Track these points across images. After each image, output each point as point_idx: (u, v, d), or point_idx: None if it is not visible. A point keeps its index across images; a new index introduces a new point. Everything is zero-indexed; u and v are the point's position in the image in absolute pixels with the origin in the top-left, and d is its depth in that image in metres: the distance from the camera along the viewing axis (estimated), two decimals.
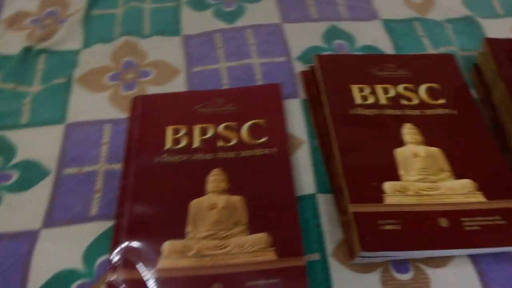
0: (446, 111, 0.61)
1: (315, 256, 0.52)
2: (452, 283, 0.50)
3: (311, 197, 0.56)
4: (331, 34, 0.75)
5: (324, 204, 0.56)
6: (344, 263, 0.51)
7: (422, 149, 0.57)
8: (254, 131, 0.61)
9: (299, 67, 0.70)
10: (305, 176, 0.58)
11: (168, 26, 0.77)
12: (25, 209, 0.56)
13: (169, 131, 0.61)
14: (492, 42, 0.66)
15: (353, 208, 0.51)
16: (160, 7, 0.80)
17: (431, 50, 0.73)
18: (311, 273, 0.50)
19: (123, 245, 0.51)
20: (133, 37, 0.75)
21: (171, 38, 0.75)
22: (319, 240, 0.53)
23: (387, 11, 0.79)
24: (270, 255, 0.50)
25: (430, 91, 0.63)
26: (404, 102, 0.62)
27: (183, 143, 0.60)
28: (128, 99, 0.66)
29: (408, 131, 0.58)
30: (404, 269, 0.51)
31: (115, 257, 0.50)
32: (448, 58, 0.69)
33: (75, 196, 0.57)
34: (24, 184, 0.58)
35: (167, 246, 0.51)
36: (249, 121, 0.62)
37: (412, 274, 0.50)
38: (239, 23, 0.77)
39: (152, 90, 0.68)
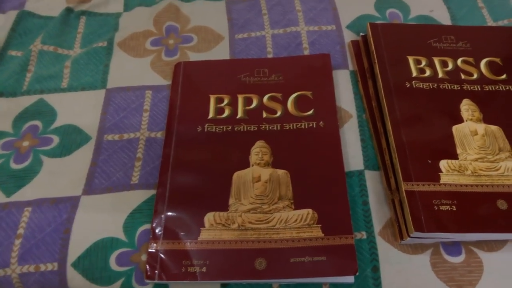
0: (508, 87, 0.57)
1: (362, 235, 0.50)
2: (506, 269, 0.47)
3: (359, 173, 0.54)
4: (384, 2, 0.71)
5: (372, 181, 0.53)
6: (392, 243, 0.49)
7: (481, 127, 0.53)
8: (301, 103, 0.58)
9: (348, 36, 0.66)
10: (352, 151, 0.56)
11: None
12: (66, 175, 0.55)
13: (212, 99, 0.59)
14: None
15: (406, 186, 0.49)
16: None
17: (490, 23, 0.68)
18: (357, 252, 0.48)
19: (164, 215, 0.50)
20: (176, 0, 0.72)
21: (214, 2, 0.72)
22: (366, 218, 0.51)
23: None
24: (316, 232, 0.48)
25: (491, 65, 0.59)
26: (464, 76, 0.58)
27: (226, 112, 0.58)
28: (169, 66, 0.64)
29: (467, 107, 0.55)
30: (455, 252, 0.48)
31: (156, 227, 0.49)
32: (511, 32, 0.64)
33: (116, 163, 0.56)
34: (64, 150, 0.57)
35: (210, 217, 0.50)
36: (295, 92, 0.59)
37: (464, 257, 0.48)
38: None
39: (194, 56, 0.65)
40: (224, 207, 0.50)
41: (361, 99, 0.60)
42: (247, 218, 0.50)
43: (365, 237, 0.50)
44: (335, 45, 0.65)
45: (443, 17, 0.69)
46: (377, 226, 0.50)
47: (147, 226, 0.51)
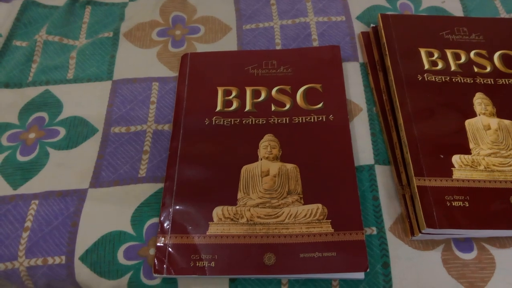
0: None
1: (372, 230, 0.49)
2: None
3: (369, 168, 0.53)
4: None
5: (382, 176, 0.53)
6: (402, 239, 0.49)
7: (495, 121, 0.52)
8: (310, 96, 0.57)
9: (358, 27, 0.65)
10: (362, 145, 0.55)
11: None
12: (73, 167, 0.55)
13: (220, 92, 0.58)
14: None
15: (417, 182, 0.48)
16: None
17: (503, 15, 0.66)
18: (367, 248, 0.48)
19: (172, 209, 0.50)
20: None
21: None
22: (377, 213, 0.50)
23: None
24: (326, 227, 0.48)
25: (505, 58, 0.58)
26: (476, 69, 0.57)
27: (234, 105, 0.57)
28: (176, 57, 0.63)
29: (480, 101, 0.54)
30: (467, 248, 0.48)
31: (164, 221, 0.49)
32: None
33: (123, 156, 0.55)
34: (71, 142, 0.56)
35: (218, 212, 0.49)
36: (304, 85, 0.58)
37: (475, 253, 0.47)
38: None
39: (201, 48, 0.64)
40: (232, 201, 0.50)
41: (372, 92, 0.59)
42: (255, 212, 0.49)
43: (375, 232, 0.49)
44: (344, 36, 0.64)
45: (455, 8, 0.67)
46: (387, 221, 0.50)
47: (155, 220, 0.50)
